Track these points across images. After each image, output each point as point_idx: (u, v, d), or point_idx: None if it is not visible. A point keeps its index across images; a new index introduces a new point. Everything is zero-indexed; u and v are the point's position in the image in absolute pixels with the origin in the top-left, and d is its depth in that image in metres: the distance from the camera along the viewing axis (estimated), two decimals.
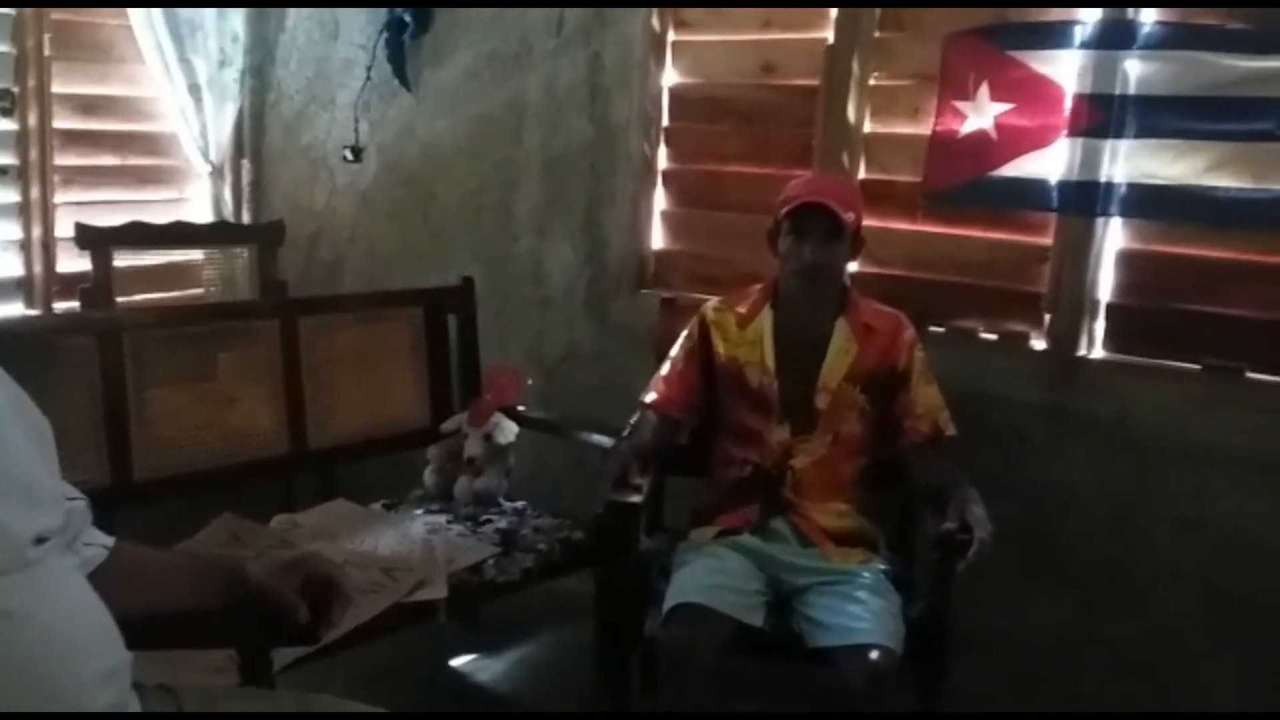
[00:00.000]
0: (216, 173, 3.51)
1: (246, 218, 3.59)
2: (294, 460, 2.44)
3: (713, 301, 2.28)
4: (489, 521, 2.37)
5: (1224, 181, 2.14)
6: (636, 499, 1.98)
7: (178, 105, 3.34)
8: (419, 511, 2.43)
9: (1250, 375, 2.17)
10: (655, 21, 2.83)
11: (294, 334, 2.43)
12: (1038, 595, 2.36)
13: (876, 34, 2.54)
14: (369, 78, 3.29)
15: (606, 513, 1.97)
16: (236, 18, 3.47)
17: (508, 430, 2.51)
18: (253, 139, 3.61)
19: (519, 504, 2.49)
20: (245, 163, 3.61)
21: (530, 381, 2.71)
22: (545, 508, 2.47)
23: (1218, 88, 2.13)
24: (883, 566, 2.05)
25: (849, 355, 2.13)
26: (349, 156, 3.36)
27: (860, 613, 1.90)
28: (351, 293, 3.12)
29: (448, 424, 2.56)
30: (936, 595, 1.94)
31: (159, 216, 3.16)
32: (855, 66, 2.54)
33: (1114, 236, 2.30)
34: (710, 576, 1.97)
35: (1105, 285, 2.32)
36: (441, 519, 2.38)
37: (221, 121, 3.49)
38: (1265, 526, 2.14)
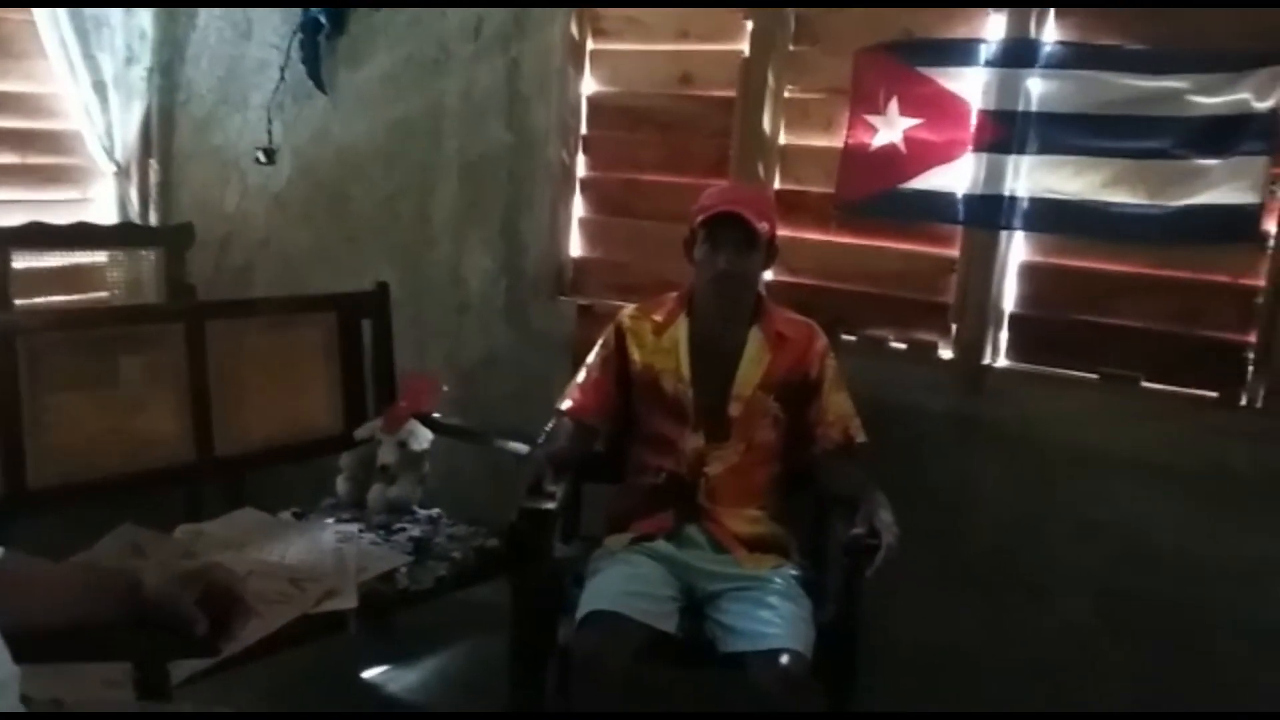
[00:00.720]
0: (122, 173, 3.42)
1: (154, 219, 3.51)
2: (200, 468, 2.38)
3: (629, 309, 2.28)
4: (402, 530, 2.35)
5: (1120, 197, 2.22)
6: (550, 506, 1.97)
7: (82, 103, 3.25)
8: (330, 520, 2.39)
9: (1145, 384, 2.25)
10: (574, 29, 2.83)
11: (201, 338, 2.38)
12: (944, 598, 2.41)
13: (791, 47, 2.58)
14: (283, 78, 3.24)
15: (520, 520, 1.96)
16: (145, 14, 3.38)
17: (422, 437, 2.49)
18: (161, 139, 3.53)
19: (433, 512, 2.46)
20: (153, 163, 3.52)
21: (446, 388, 2.68)
22: (460, 516, 2.45)
23: (1115, 106, 2.20)
24: (794, 572, 2.07)
25: (762, 364, 2.16)
26: (262, 158, 3.30)
27: (771, 618, 1.92)
28: (262, 297, 3.06)
29: (361, 431, 2.52)
30: (846, 600, 1.97)
31: (61, 217, 3.07)
32: (770, 79, 2.58)
33: (1017, 249, 2.37)
34: (624, 583, 1.97)
35: (1009, 296, 2.38)
36: (354, 527, 2.34)
37: (128, 120, 3.40)
38: (1157, 530, 2.22)
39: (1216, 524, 2.16)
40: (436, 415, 2.60)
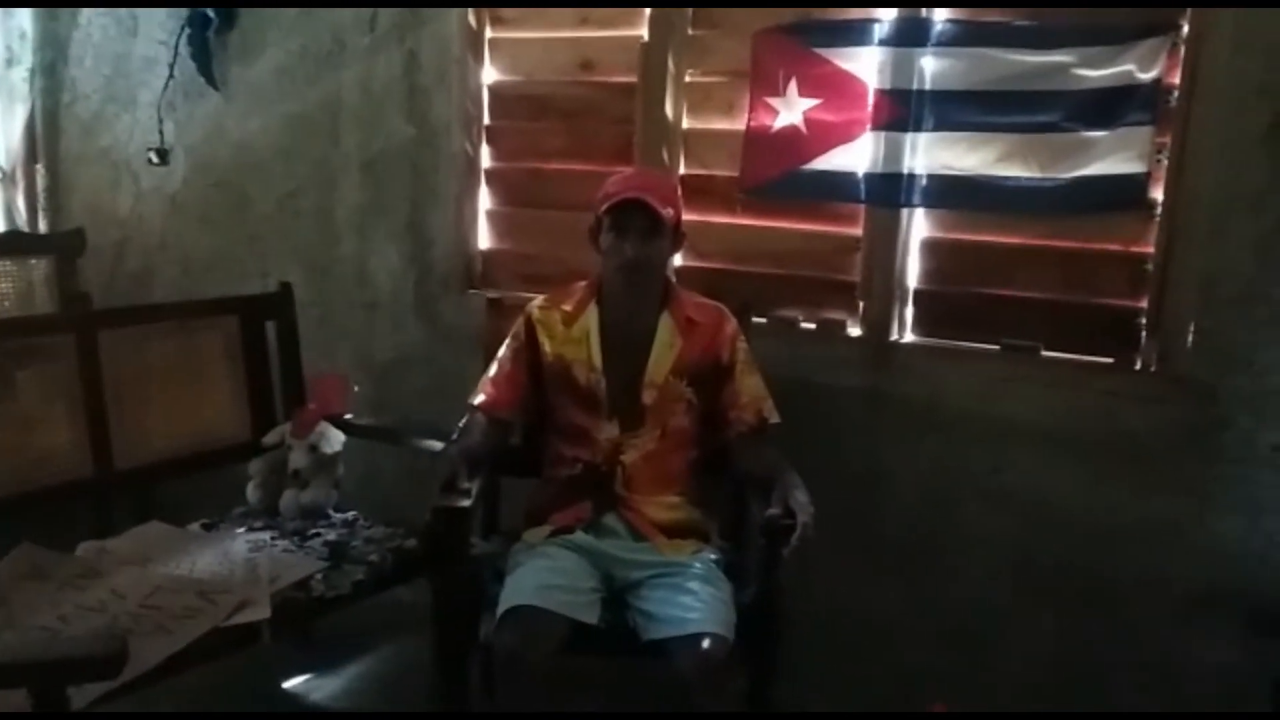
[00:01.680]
0: (7, 178, 3.30)
1: (43, 226, 3.38)
2: (100, 483, 2.30)
3: (538, 300, 2.26)
4: (317, 535, 2.31)
5: (1013, 171, 2.27)
6: (465, 503, 1.95)
7: None
8: (241, 530, 2.33)
9: (1044, 353, 2.30)
10: (471, 19, 2.80)
11: (94, 348, 2.30)
12: (860, 572, 2.45)
13: (690, 31, 2.58)
14: (172, 75, 3.15)
15: (435, 519, 1.93)
16: (24, 14, 3.26)
17: (334, 440, 2.45)
18: (47, 142, 3.40)
19: (349, 515, 2.42)
20: (39, 167, 3.40)
21: (357, 388, 2.64)
22: (378, 517, 2.42)
23: (1005, 82, 2.25)
24: (714, 556, 2.09)
25: (674, 349, 2.16)
26: (154, 159, 3.20)
27: (692, 603, 1.92)
28: (159, 303, 2.96)
29: (270, 436, 2.47)
30: (765, 580, 1.99)
31: None
32: (670, 63, 2.58)
33: (918, 226, 2.41)
34: (543, 577, 1.96)
35: (913, 272, 2.42)
36: (266, 535, 2.30)
37: (11, 124, 3.28)
38: (1062, 494, 2.28)
39: (1117, 486, 2.23)
40: (348, 416, 2.56)
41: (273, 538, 2.29)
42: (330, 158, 3.01)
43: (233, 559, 2.16)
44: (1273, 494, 2.08)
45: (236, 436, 2.52)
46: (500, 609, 1.92)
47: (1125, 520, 2.22)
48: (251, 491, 2.45)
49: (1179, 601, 2.19)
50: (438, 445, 2.33)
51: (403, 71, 2.88)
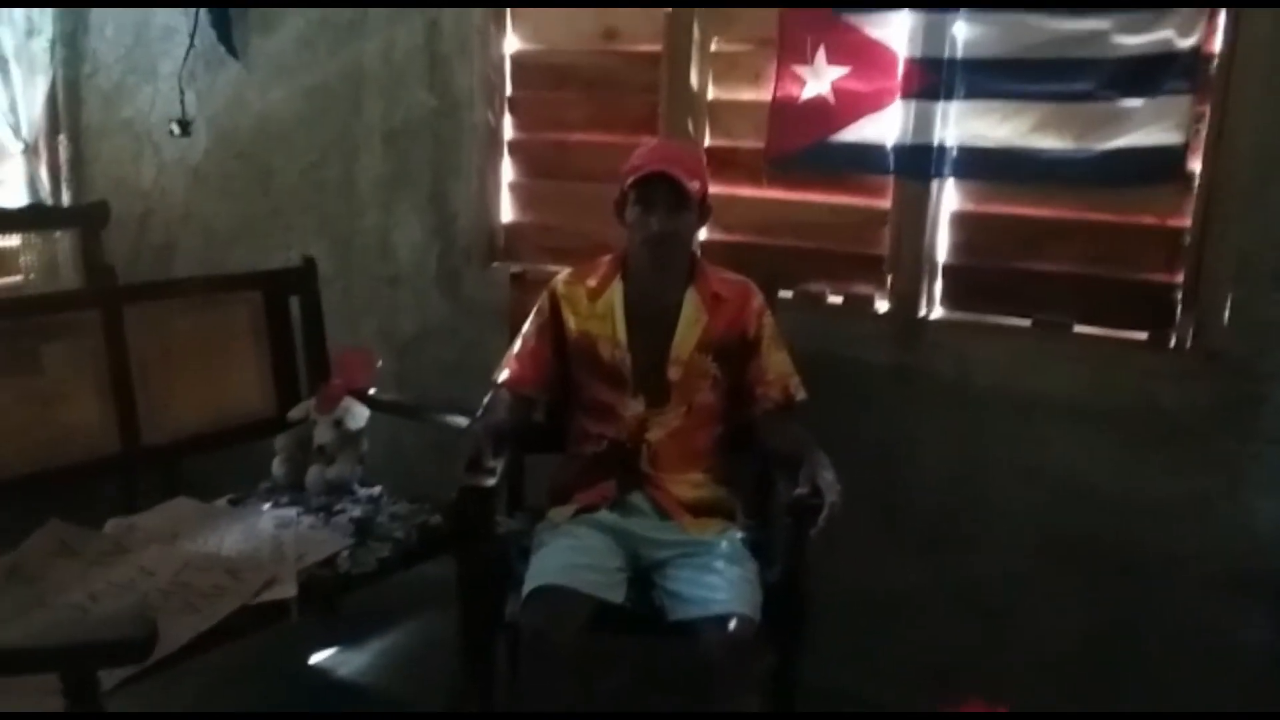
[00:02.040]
0: (30, 151, 3.30)
1: (66, 198, 3.38)
2: (128, 459, 2.32)
3: (562, 275, 2.24)
4: (343, 511, 2.31)
5: (1047, 142, 2.22)
6: (490, 482, 1.94)
7: None
8: (267, 505, 2.34)
9: (1076, 329, 2.26)
10: None
11: (120, 324, 2.31)
12: (887, 548, 2.44)
13: None
14: (193, 45, 3.13)
15: (460, 498, 1.93)
16: None
17: (358, 415, 2.44)
18: (69, 113, 3.40)
19: (374, 490, 2.42)
20: (62, 139, 3.39)
21: (381, 363, 2.63)
22: (402, 493, 2.42)
23: (1039, 49, 2.19)
24: (740, 535, 2.07)
25: (699, 325, 2.13)
26: (176, 130, 3.19)
27: (718, 583, 1.91)
28: (183, 277, 2.97)
29: (295, 412, 2.47)
30: (792, 560, 1.97)
31: None
32: (696, 31, 2.53)
33: (948, 198, 2.36)
34: (569, 556, 1.96)
35: (942, 246, 2.38)
36: (292, 511, 2.30)
37: (32, 95, 3.27)
38: (1093, 471, 2.25)
39: (1150, 463, 2.19)
40: (372, 391, 2.55)
41: (299, 514, 2.29)
42: (352, 128, 2.99)
43: (259, 536, 2.16)
44: None
45: (262, 412, 2.53)
46: (526, 588, 1.91)
47: (1156, 497, 2.19)
48: (277, 467, 2.46)
49: (1209, 579, 2.16)
50: (461, 420, 2.32)
51: (424, 40, 2.85)
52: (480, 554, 2.00)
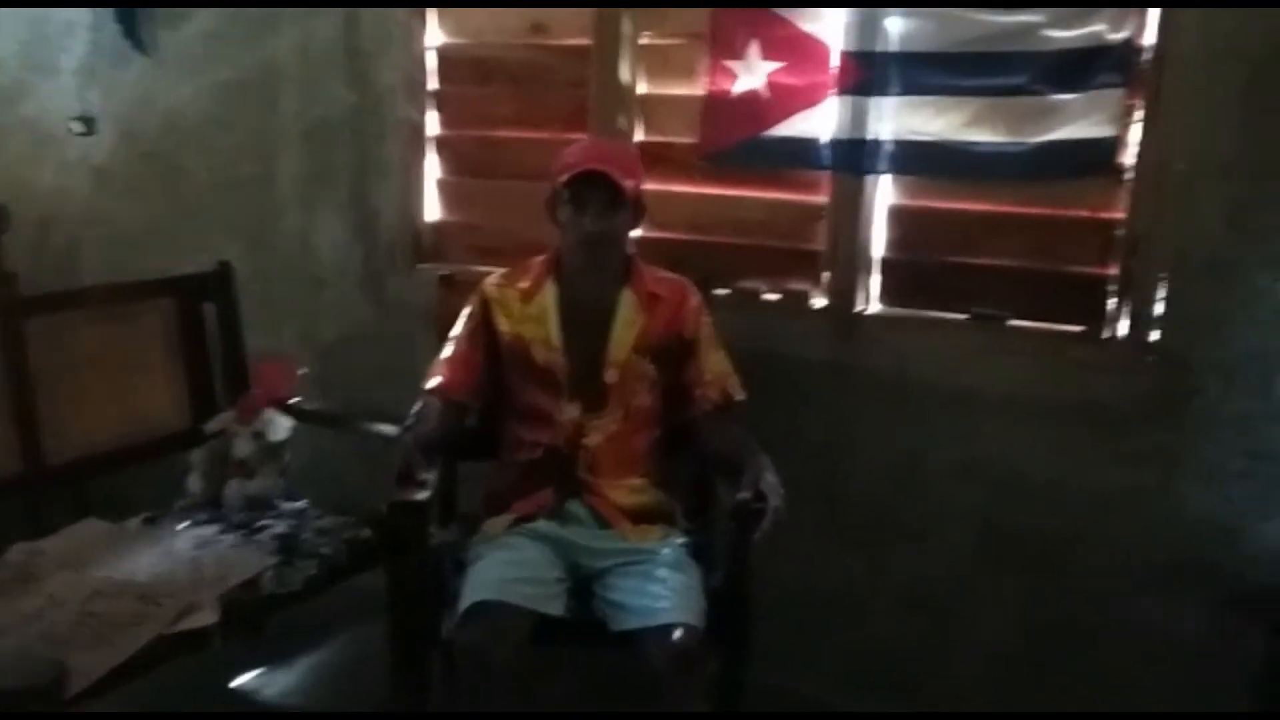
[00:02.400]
0: None
1: None
2: (30, 479, 2.18)
3: (493, 277, 2.17)
4: (265, 527, 2.21)
5: (981, 136, 2.20)
6: (423, 496, 1.86)
7: None
8: (185, 524, 2.22)
9: (1013, 323, 2.26)
10: None
11: (21, 336, 2.17)
12: (828, 545, 2.41)
13: None
14: (96, 39, 2.96)
15: (392, 514, 1.84)
16: None
17: (280, 426, 2.34)
18: None
19: (299, 504, 2.33)
20: None
21: (304, 370, 2.52)
22: (329, 505, 2.33)
23: (972, 44, 2.17)
24: (681, 540, 2.02)
25: (636, 326, 2.08)
26: (79, 128, 3.03)
27: (661, 591, 1.86)
28: (89, 285, 2.81)
29: (211, 424, 2.36)
30: (735, 565, 1.93)
31: None
32: (626, 26, 2.47)
33: (884, 193, 2.34)
34: (506, 570, 1.89)
35: (879, 241, 2.35)
36: (211, 530, 2.19)
37: None
38: (1031, 464, 2.24)
39: (1087, 455, 2.19)
40: (295, 400, 2.44)
41: (218, 532, 2.18)
42: (269, 126, 2.86)
43: (176, 558, 2.06)
44: (1240, 462, 2.06)
45: (176, 425, 2.41)
46: (462, 605, 1.84)
47: (1094, 489, 2.19)
48: (193, 483, 2.34)
49: (1146, 571, 2.17)
50: (389, 428, 2.24)
51: (343, 35, 2.74)
52: (413, 569, 1.92)
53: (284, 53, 2.82)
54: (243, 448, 2.30)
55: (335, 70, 2.77)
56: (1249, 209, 2.00)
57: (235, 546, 2.12)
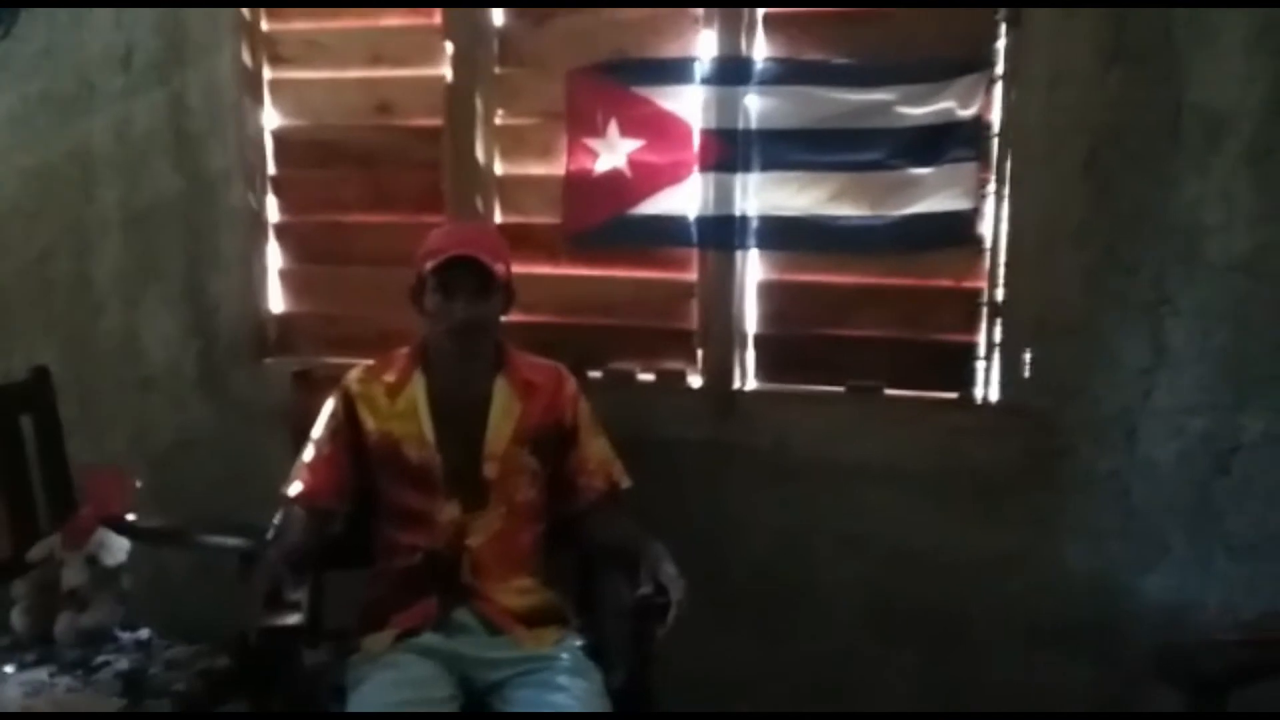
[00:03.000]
0: None
1: None
2: None
3: (355, 372, 2.03)
4: (105, 665, 1.96)
5: (845, 210, 2.24)
6: (295, 619, 1.68)
7: None
8: (10, 667, 1.95)
9: (888, 392, 2.28)
10: (247, 57, 2.52)
11: None
12: (717, 629, 2.33)
13: (496, 69, 2.41)
14: None
15: (262, 642, 1.66)
16: None
17: (116, 548, 2.11)
18: None
19: (141, 634, 2.08)
20: None
21: (137, 482, 2.28)
22: (176, 633, 2.09)
23: (830, 120, 2.22)
24: (579, 642, 1.91)
25: (513, 416, 1.98)
26: None
27: (565, 701, 1.74)
28: None
29: (35, 551, 2.09)
30: (638, 663, 1.84)
31: None
32: (478, 104, 2.40)
33: (754, 268, 2.34)
34: (392, 692, 1.73)
35: (751, 317, 2.35)
36: (42, 672, 1.93)
37: None
38: (914, 534, 2.26)
39: (969, 521, 2.23)
40: (129, 517, 2.20)
41: (50, 674, 1.92)
42: (84, 216, 2.63)
43: (5, 707, 1.79)
44: (1115, 520, 2.13)
45: None
46: None
47: (976, 554, 2.22)
48: (17, 618, 2.07)
49: (1031, 633, 2.21)
50: (239, 543, 2.04)
51: (168, 116, 2.56)
52: (287, 700, 1.73)
53: (100, 137, 2.60)
54: (73, 576, 2.05)
55: (161, 154, 2.57)
56: (1100, 275, 2.10)
57: (73, 690, 1.87)
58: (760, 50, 2.26)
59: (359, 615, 1.94)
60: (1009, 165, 2.15)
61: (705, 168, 2.28)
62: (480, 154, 2.42)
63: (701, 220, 2.30)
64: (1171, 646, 1.69)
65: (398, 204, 2.50)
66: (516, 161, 2.44)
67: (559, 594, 2.02)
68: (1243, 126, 1.99)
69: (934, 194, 2.19)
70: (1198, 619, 2.08)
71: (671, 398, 2.37)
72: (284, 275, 2.61)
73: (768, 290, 2.34)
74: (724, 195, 2.28)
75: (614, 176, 2.33)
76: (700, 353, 2.36)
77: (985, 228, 2.19)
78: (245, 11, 2.49)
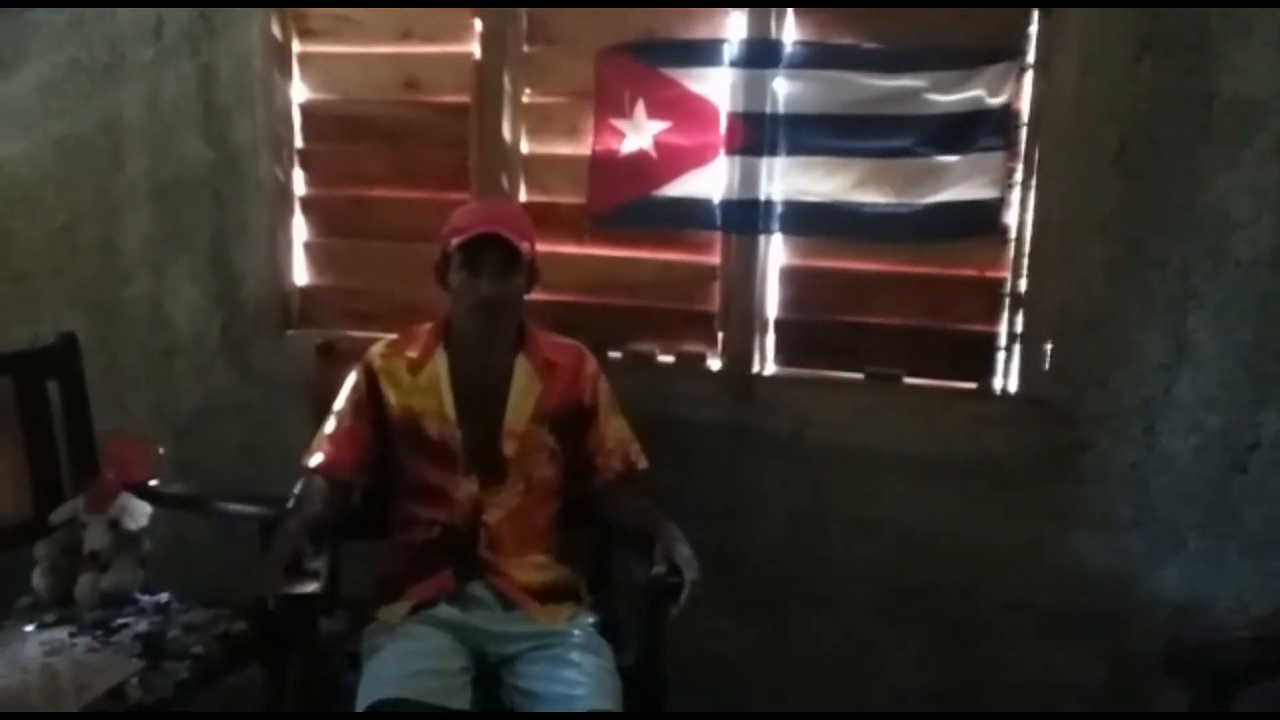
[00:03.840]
0: None
1: None
2: None
3: (378, 346, 2.04)
4: (125, 626, 1.99)
5: (870, 197, 2.23)
6: (313, 587, 1.71)
7: None
8: (31, 626, 1.98)
9: (907, 380, 2.28)
10: (276, 30, 2.52)
11: None
12: (732, 614, 2.35)
13: (525, 48, 2.41)
14: None
15: (280, 609, 1.68)
16: None
17: (138, 513, 2.13)
18: None
19: (161, 598, 2.11)
20: None
21: (160, 449, 2.30)
22: (195, 598, 2.12)
23: (858, 106, 2.21)
24: (591, 620, 1.92)
25: (533, 394, 1.99)
26: None
27: (576, 677, 1.76)
28: None
29: (59, 513, 2.12)
30: (649, 643, 1.85)
31: None
32: (506, 82, 2.40)
33: (776, 253, 2.33)
34: (408, 662, 1.74)
35: (772, 301, 2.34)
36: (62, 632, 1.96)
37: None
38: (930, 521, 2.26)
39: (983, 510, 2.23)
40: (151, 483, 2.23)
41: (71, 634, 1.95)
42: (113, 185, 2.64)
43: (26, 666, 1.82)
44: (1130, 513, 2.13)
45: (17, 516, 2.14)
46: (362, 703, 1.69)
47: (991, 543, 2.23)
48: (39, 579, 2.10)
49: (1044, 622, 2.21)
50: (258, 511, 2.07)
51: (197, 87, 2.56)
52: (304, 669, 1.76)
53: (130, 107, 2.61)
54: (95, 538, 2.07)
55: (190, 125, 2.58)
56: (1125, 268, 2.09)
57: (93, 650, 1.89)
58: (789, 34, 2.25)
59: (376, 586, 1.96)
60: (1037, 155, 2.15)
61: (731, 151, 2.28)
62: (507, 132, 2.42)
63: (726, 204, 2.29)
64: (1181, 640, 1.69)
65: (424, 180, 2.50)
66: (543, 140, 2.44)
67: (574, 571, 2.03)
68: (1274, 121, 1.97)
69: (961, 182, 2.18)
70: (1210, 614, 2.08)
71: (691, 380, 2.37)
72: (309, 248, 2.62)
73: (790, 275, 2.33)
74: (749, 179, 2.27)
75: (640, 157, 2.32)
76: (721, 336, 2.36)
77: (1011, 217, 2.18)
78: None
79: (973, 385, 2.25)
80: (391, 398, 1.99)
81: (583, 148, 2.36)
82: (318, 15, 2.53)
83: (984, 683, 2.25)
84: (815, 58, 2.23)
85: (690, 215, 2.32)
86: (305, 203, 2.60)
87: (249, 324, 2.61)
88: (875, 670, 2.32)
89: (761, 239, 2.31)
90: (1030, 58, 2.13)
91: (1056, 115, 2.11)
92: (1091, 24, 2.05)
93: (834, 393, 2.31)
